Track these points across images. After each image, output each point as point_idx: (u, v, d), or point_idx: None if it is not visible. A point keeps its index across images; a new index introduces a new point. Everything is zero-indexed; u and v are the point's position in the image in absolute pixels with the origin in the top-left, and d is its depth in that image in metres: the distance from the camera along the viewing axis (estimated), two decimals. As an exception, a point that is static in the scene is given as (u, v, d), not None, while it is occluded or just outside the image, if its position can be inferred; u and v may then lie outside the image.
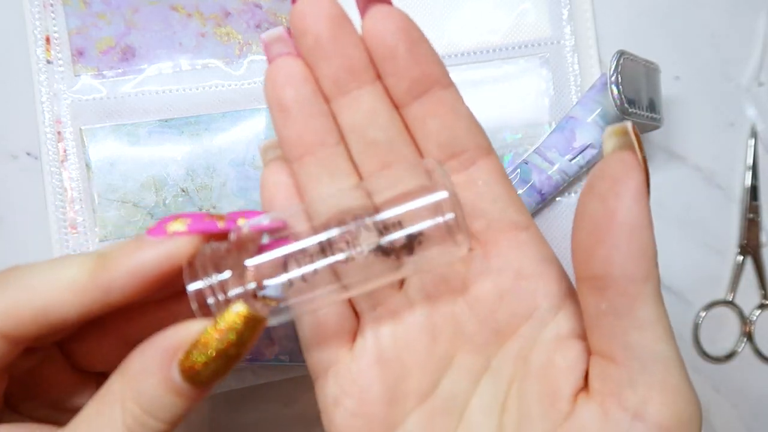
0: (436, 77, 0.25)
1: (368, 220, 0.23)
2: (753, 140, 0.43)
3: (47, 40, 0.40)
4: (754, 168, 0.43)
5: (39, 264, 0.23)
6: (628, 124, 0.22)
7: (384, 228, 0.23)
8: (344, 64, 0.24)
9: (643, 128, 0.41)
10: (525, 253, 0.26)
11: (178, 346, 0.21)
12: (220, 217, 0.24)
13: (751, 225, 0.43)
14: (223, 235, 0.24)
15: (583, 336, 0.24)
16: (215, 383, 0.22)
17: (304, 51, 0.24)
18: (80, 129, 0.40)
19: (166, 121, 0.40)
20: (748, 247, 0.43)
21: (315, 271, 0.23)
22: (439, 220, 0.23)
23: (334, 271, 0.24)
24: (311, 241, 0.23)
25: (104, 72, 0.40)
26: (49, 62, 0.40)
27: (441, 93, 0.26)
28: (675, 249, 0.44)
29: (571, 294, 0.26)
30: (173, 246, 0.22)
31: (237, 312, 0.21)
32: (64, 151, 0.40)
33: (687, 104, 0.44)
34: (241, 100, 0.41)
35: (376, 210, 0.24)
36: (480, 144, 0.26)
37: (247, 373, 0.40)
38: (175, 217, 0.23)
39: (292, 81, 0.24)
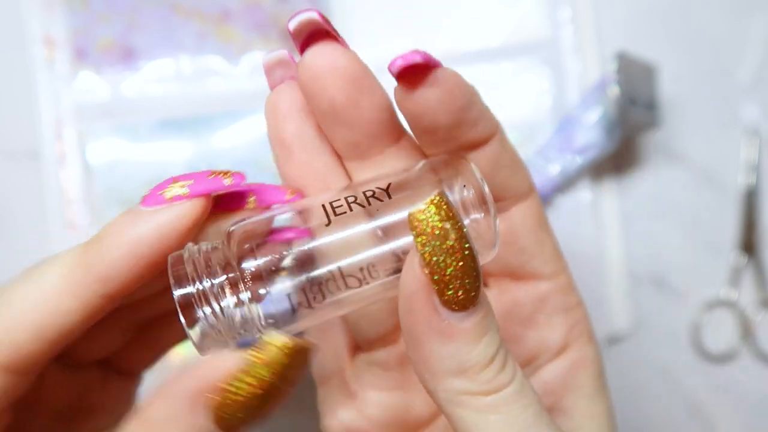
0: (476, 138, 0.21)
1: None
2: (752, 139, 0.43)
3: (48, 40, 0.40)
4: (754, 167, 0.43)
5: (17, 277, 0.20)
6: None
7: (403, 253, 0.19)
8: (365, 131, 0.21)
9: (642, 128, 0.41)
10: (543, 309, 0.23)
11: (209, 388, 0.18)
12: (225, 173, 0.20)
13: (749, 225, 0.43)
14: (231, 199, 0.20)
15: None
16: (254, 425, 0.18)
17: (316, 113, 0.21)
18: (80, 129, 0.40)
19: (166, 121, 0.40)
20: (747, 246, 0.43)
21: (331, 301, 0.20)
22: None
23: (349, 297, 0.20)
24: (330, 268, 0.19)
25: (105, 72, 0.40)
26: (49, 62, 0.40)
27: (478, 152, 0.21)
28: (674, 248, 0.44)
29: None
30: (174, 215, 0.18)
31: (280, 345, 0.18)
32: (65, 151, 0.40)
33: (687, 104, 0.44)
34: (241, 100, 0.41)
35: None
36: (518, 189, 0.22)
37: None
38: (173, 180, 0.19)
39: (294, 114, 0.21)
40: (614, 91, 0.35)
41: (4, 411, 0.19)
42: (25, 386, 0.19)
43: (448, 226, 0.17)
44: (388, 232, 0.19)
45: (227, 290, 0.18)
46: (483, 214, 0.19)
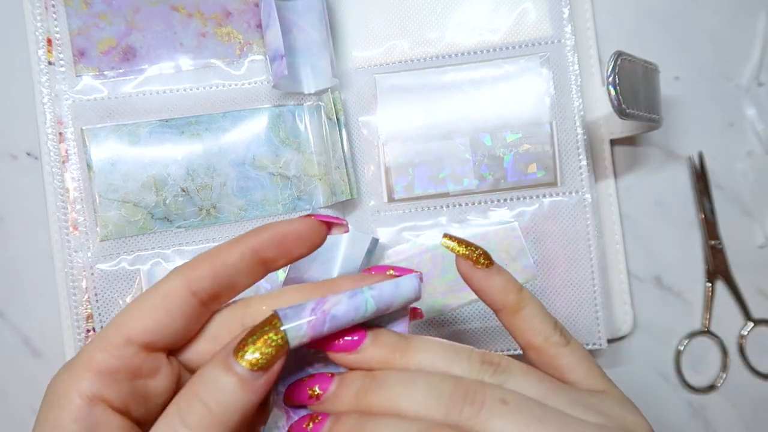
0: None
1: None
2: (695, 169, 0.43)
3: (49, 41, 0.40)
4: (706, 197, 0.43)
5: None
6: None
7: None
8: None
9: (642, 128, 0.41)
10: None
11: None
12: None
13: (715, 252, 0.43)
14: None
15: None
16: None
17: None
18: (81, 129, 0.40)
19: (166, 121, 0.40)
20: (717, 271, 0.43)
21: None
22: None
23: None
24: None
25: (105, 72, 0.40)
26: (50, 63, 0.40)
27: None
28: (674, 248, 0.44)
29: None
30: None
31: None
32: (66, 152, 0.40)
33: (687, 104, 0.44)
34: (241, 100, 0.41)
35: None
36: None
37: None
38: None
39: None
40: (611, 92, 0.34)
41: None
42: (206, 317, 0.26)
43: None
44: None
45: None
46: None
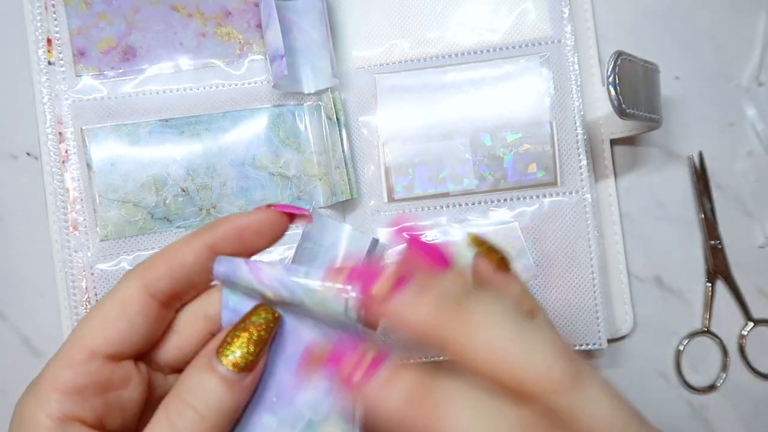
0: None
1: None
2: (695, 169, 0.43)
3: (48, 41, 0.40)
4: (706, 197, 0.43)
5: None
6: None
7: None
8: None
9: (642, 128, 0.41)
10: None
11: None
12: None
13: (715, 252, 0.43)
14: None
15: None
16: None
17: None
18: (81, 129, 0.40)
19: (166, 121, 0.40)
20: (717, 271, 0.43)
21: None
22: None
23: None
24: None
25: (105, 72, 0.40)
26: (50, 63, 0.40)
27: None
28: (674, 248, 0.44)
29: None
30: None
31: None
32: (66, 152, 0.40)
33: (687, 104, 0.44)
34: (241, 100, 0.41)
35: None
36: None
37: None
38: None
39: None
40: (611, 92, 0.34)
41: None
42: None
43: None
44: None
45: None
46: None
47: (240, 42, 0.41)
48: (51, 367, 0.23)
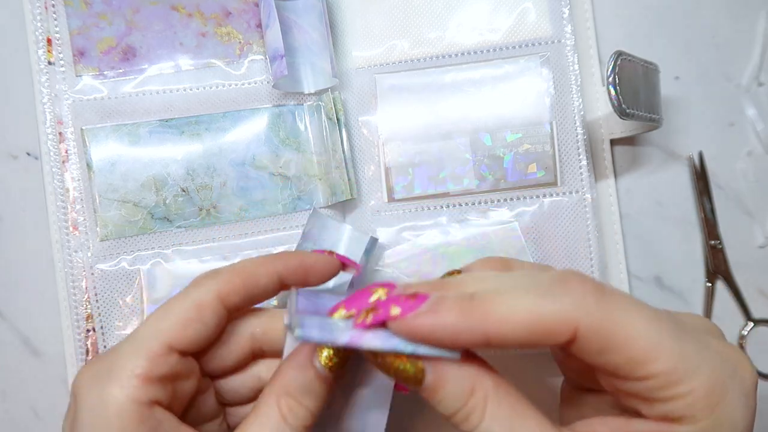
0: None
1: None
2: (695, 169, 0.43)
3: (48, 41, 0.40)
4: (706, 197, 0.43)
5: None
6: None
7: None
8: None
9: (642, 128, 0.41)
10: None
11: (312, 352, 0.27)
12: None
13: (715, 252, 0.43)
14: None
15: None
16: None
17: None
18: (81, 129, 0.40)
19: (166, 121, 0.40)
20: (717, 271, 0.43)
21: None
22: None
23: None
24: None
25: (105, 72, 0.40)
26: (50, 63, 0.40)
27: None
28: (674, 248, 0.44)
29: None
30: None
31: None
32: (66, 152, 0.40)
33: (687, 104, 0.44)
34: (241, 100, 0.41)
35: None
36: None
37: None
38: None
39: None
40: (611, 92, 0.34)
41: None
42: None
43: None
44: None
45: None
46: None
47: (240, 42, 0.41)
48: (129, 356, 0.26)
